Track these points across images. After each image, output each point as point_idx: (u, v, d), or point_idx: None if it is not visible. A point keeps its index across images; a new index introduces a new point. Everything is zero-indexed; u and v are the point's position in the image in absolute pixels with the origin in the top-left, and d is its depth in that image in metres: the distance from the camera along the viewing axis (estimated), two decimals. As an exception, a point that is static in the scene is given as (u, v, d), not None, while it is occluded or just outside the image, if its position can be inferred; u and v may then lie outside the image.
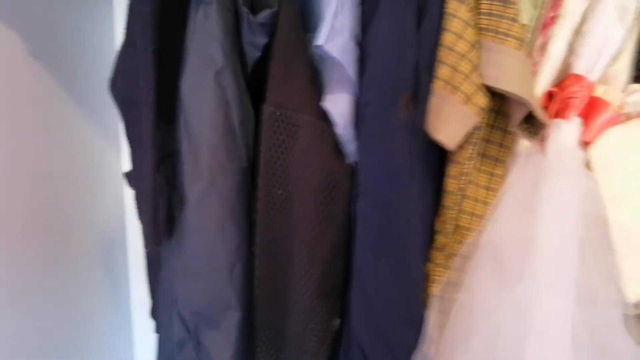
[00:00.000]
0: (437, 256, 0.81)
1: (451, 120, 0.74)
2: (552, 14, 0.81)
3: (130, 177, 0.96)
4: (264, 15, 0.79)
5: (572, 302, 0.71)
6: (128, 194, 1.28)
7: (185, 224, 0.80)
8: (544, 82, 0.82)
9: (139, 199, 0.87)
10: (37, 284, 1.01)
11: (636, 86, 0.79)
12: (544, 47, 0.82)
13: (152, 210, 0.82)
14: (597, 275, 0.73)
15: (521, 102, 0.74)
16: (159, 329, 0.93)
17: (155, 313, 1.02)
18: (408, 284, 0.75)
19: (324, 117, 0.77)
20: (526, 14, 0.83)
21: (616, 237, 0.74)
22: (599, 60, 0.79)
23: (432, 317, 0.76)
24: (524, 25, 0.82)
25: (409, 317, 0.75)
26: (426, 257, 0.80)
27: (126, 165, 1.18)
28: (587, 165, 0.80)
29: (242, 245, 0.79)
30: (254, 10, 0.81)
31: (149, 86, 0.81)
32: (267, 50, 0.80)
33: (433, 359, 0.75)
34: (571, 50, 0.82)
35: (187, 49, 0.82)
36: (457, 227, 0.81)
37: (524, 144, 0.82)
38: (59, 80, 1.08)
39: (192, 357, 0.82)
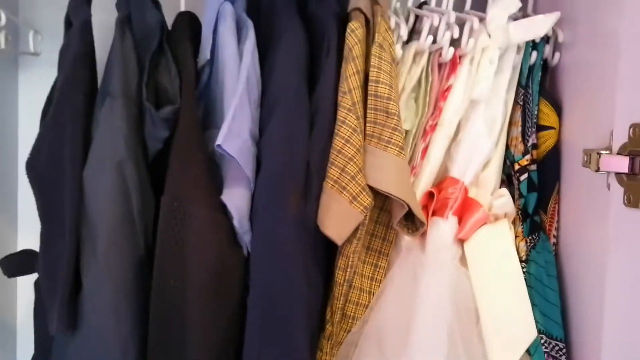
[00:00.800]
0: (325, 344, 0.86)
1: (338, 217, 0.82)
2: (431, 123, 0.92)
3: (9, 263, 0.97)
4: (167, 111, 0.85)
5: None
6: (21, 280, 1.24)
7: (80, 308, 0.82)
8: (424, 183, 0.91)
9: (50, 281, 0.87)
10: None
11: (502, 190, 0.90)
12: (424, 152, 0.92)
13: (66, 290, 0.83)
14: (465, 353, 0.81)
15: (401, 202, 0.82)
16: None
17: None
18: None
19: (222, 209, 0.82)
20: (409, 121, 0.93)
21: (485, 329, 0.83)
22: (471, 166, 0.89)
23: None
24: (406, 131, 0.92)
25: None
26: (315, 345, 0.85)
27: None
28: (462, 259, 0.88)
29: (136, 332, 0.82)
30: (158, 105, 0.87)
31: (76, 169, 0.84)
32: (168, 143, 0.86)
33: None
34: (448, 155, 0.92)
35: (91, 139, 0.86)
36: (344, 315, 0.87)
37: (405, 238, 0.90)
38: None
39: None
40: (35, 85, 1.20)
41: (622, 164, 0.64)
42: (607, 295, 0.69)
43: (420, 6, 1.00)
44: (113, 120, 0.85)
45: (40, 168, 0.86)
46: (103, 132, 0.85)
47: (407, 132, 0.93)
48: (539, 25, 0.88)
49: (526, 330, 0.82)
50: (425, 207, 0.91)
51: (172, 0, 0.99)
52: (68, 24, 0.93)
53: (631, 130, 0.63)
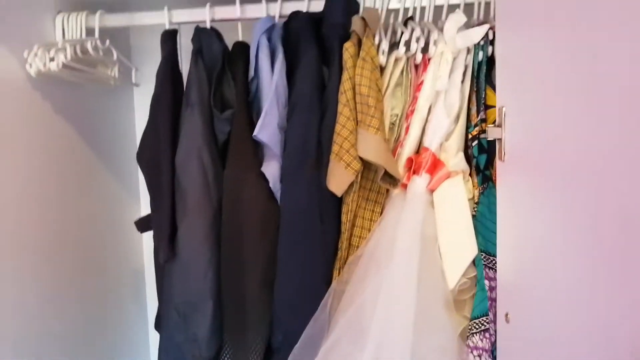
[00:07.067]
0: (337, 264, 1.40)
1: (337, 178, 1.34)
2: (411, 108, 1.42)
3: (141, 223, 1.59)
4: (227, 114, 1.42)
5: (414, 286, 1.29)
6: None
7: (177, 245, 1.42)
8: (407, 151, 1.42)
9: (158, 230, 1.48)
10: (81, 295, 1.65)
11: (459, 154, 1.38)
12: (407, 129, 1.43)
13: (168, 234, 1.44)
14: (428, 269, 1.31)
15: (380, 166, 1.34)
16: (162, 322, 1.54)
17: (158, 325, 1.64)
18: (309, 277, 1.34)
19: (262, 176, 1.38)
20: (397, 107, 1.44)
21: (442, 248, 1.33)
22: (435, 138, 1.39)
23: (330, 299, 1.35)
24: (397, 115, 1.43)
25: (309, 295, 1.34)
26: (332, 263, 1.40)
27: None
28: (432, 204, 1.39)
29: (213, 258, 1.40)
30: (224, 109, 1.45)
31: (168, 157, 1.43)
32: (230, 134, 1.43)
33: (325, 322, 1.33)
34: (423, 131, 1.42)
35: (180, 133, 1.45)
36: (350, 245, 1.40)
37: (395, 190, 1.42)
38: (95, 153, 1.74)
39: (184, 332, 1.42)
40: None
41: (497, 132, 1.13)
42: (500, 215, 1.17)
43: (407, 20, 1.50)
44: (192, 121, 1.43)
45: (146, 158, 1.46)
46: (186, 130, 1.44)
47: (397, 115, 1.44)
48: (475, 35, 1.35)
49: (470, 249, 1.31)
50: (409, 169, 1.42)
51: (233, 33, 1.57)
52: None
53: (498, 110, 1.12)
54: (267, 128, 1.33)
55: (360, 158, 1.34)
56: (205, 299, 1.38)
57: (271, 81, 1.39)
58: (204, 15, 1.58)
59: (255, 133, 1.32)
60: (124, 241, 1.88)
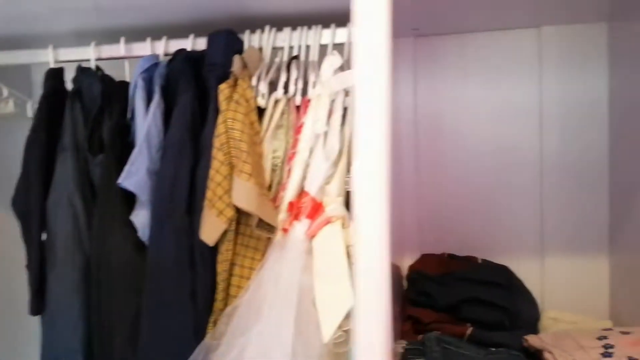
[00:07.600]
0: (213, 316, 1.34)
1: (209, 226, 1.29)
2: (292, 151, 1.38)
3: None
4: (99, 157, 1.36)
5: (288, 340, 1.23)
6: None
7: (47, 297, 1.35)
8: (289, 195, 1.36)
9: (29, 280, 1.42)
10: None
11: (338, 199, 1.33)
12: (289, 173, 1.38)
13: (35, 286, 1.37)
14: (303, 321, 1.25)
15: (253, 213, 1.29)
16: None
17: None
18: (176, 332, 1.28)
19: (131, 225, 1.32)
20: (280, 149, 1.39)
21: (317, 298, 1.27)
22: (315, 182, 1.34)
23: (200, 355, 1.29)
24: (279, 157, 1.38)
25: (177, 352, 1.27)
26: (200, 318, 1.33)
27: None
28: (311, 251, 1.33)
29: (83, 310, 1.34)
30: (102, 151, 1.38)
31: (37, 204, 1.38)
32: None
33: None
34: (304, 175, 1.37)
35: (53, 180, 1.39)
36: (227, 295, 1.34)
37: (277, 236, 1.37)
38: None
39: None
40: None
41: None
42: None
43: (292, 59, 1.45)
44: (64, 166, 1.37)
45: (19, 204, 1.40)
46: (58, 174, 1.38)
47: (280, 158, 1.39)
48: (350, 77, 1.31)
49: (346, 301, 1.25)
50: (291, 213, 1.36)
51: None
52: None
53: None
54: (134, 175, 1.28)
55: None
56: (76, 352, 1.32)
57: (144, 124, 1.33)
58: (89, 54, 1.53)
59: (119, 181, 1.26)
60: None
